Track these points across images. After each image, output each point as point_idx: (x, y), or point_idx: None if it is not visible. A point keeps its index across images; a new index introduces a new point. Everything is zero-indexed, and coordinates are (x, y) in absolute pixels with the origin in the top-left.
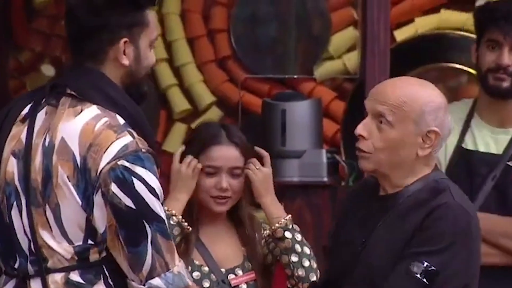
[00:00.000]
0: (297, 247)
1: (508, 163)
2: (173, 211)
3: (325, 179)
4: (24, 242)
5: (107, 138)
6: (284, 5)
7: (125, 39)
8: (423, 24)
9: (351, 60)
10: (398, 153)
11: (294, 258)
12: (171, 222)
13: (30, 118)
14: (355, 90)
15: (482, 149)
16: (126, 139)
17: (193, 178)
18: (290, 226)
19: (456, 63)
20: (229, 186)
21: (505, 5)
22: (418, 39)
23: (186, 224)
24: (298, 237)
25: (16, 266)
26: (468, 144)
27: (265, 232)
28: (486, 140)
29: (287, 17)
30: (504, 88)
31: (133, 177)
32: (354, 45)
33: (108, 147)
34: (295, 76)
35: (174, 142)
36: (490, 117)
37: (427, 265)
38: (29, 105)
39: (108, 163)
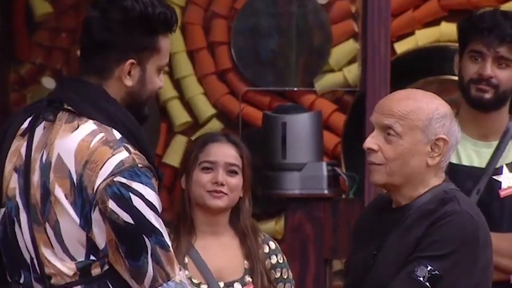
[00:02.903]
0: None
1: (493, 177)
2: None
3: (326, 191)
4: (27, 258)
5: (103, 155)
6: (285, 18)
7: (132, 60)
8: (423, 37)
9: (352, 72)
10: (409, 163)
11: None
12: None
13: (29, 133)
14: (356, 102)
15: (465, 162)
16: (122, 154)
17: None
18: None
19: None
20: (226, 182)
21: (490, 16)
22: (419, 52)
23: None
24: None
25: (21, 281)
26: (452, 158)
27: (272, 261)
28: (469, 153)
29: (287, 30)
30: (486, 99)
31: (130, 193)
32: (354, 58)
33: (104, 163)
34: (296, 89)
35: (175, 155)
36: (472, 129)
37: (430, 268)
38: (29, 119)
39: (104, 180)
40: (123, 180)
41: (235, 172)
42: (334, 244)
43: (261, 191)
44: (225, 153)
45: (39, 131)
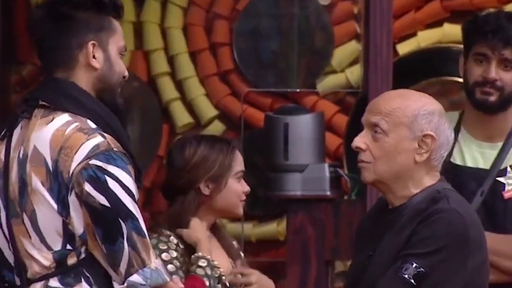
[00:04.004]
0: None
1: (497, 178)
2: (216, 263)
3: (328, 193)
4: (10, 256)
5: (78, 140)
6: (287, 19)
7: (92, 41)
8: (425, 38)
9: (354, 73)
10: (396, 160)
11: None
12: (213, 274)
13: (8, 136)
14: (358, 103)
15: (469, 164)
16: (97, 139)
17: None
18: None
19: (459, 77)
20: None
21: (494, 19)
22: (421, 53)
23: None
24: None
25: (7, 278)
26: (457, 159)
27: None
28: (474, 155)
29: (289, 31)
30: (491, 102)
31: (106, 176)
32: (356, 59)
33: (79, 148)
34: (298, 90)
35: None
36: (477, 131)
37: (416, 266)
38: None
39: (79, 163)
40: (99, 163)
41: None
42: (336, 246)
43: (263, 193)
44: (242, 160)
45: (16, 131)
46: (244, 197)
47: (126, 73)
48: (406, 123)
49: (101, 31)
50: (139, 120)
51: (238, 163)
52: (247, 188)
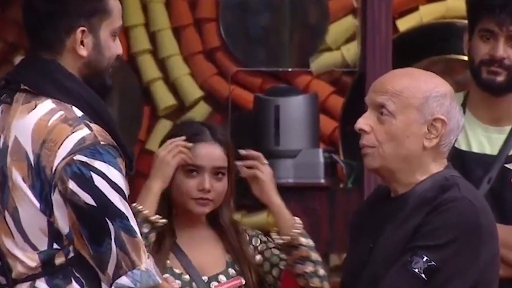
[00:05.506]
0: (313, 255)
1: (505, 165)
2: (139, 207)
3: (322, 180)
4: None
5: (61, 133)
6: None
7: (82, 28)
8: (428, 13)
9: (350, 51)
10: (403, 145)
11: (310, 268)
12: (138, 220)
13: None
14: (355, 84)
15: (475, 149)
16: (82, 132)
17: (171, 165)
18: (304, 232)
19: (464, 55)
20: (212, 187)
21: None
22: (423, 29)
23: (155, 217)
24: (310, 243)
25: None
26: (461, 144)
27: (276, 240)
28: (480, 139)
29: (281, 5)
30: (498, 82)
31: (91, 172)
32: (353, 35)
33: (63, 142)
34: (290, 69)
35: (159, 141)
36: (483, 114)
37: (426, 259)
38: None
39: (63, 159)
40: (84, 159)
41: (222, 174)
42: (331, 237)
43: None
44: (212, 156)
45: None
46: (196, 195)
47: (120, 51)
48: (416, 105)
49: (94, 15)
50: (117, 102)
51: (192, 155)
52: (202, 186)
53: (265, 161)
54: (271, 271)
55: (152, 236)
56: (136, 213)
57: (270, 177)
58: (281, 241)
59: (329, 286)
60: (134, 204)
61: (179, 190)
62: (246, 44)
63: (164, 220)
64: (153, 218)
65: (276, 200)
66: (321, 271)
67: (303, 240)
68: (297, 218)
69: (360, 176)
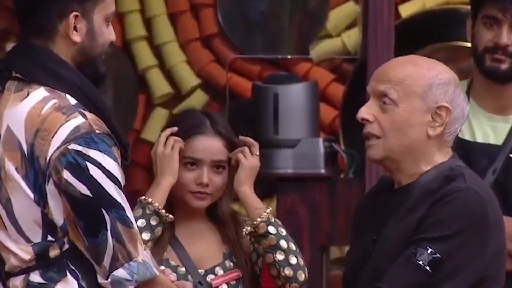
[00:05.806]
0: (283, 244)
1: (510, 155)
2: (150, 199)
3: (322, 170)
4: None
5: (55, 121)
6: None
7: (75, 13)
8: None
9: (351, 38)
10: (407, 134)
11: (280, 256)
12: (147, 212)
13: None
14: (356, 71)
15: (480, 139)
16: (77, 120)
17: (174, 157)
18: (273, 220)
19: (468, 42)
20: (210, 181)
21: None
22: (426, 15)
23: (164, 212)
24: (283, 232)
25: None
26: (465, 134)
27: (246, 228)
28: (484, 129)
29: None
30: (502, 70)
31: (87, 162)
32: (354, 22)
33: (57, 130)
34: (289, 56)
35: (154, 130)
36: (487, 103)
37: (431, 251)
38: None
39: (57, 148)
40: (79, 148)
41: (222, 167)
42: (331, 229)
43: None
44: (211, 149)
45: None
46: (194, 188)
47: (113, 38)
48: (419, 93)
49: (88, 0)
50: (112, 90)
51: (189, 148)
52: (200, 180)
53: (257, 153)
54: (257, 261)
55: (159, 230)
56: (145, 205)
57: (250, 166)
58: (248, 230)
59: (307, 276)
60: (143, 197)
61: (177, 183)
62: (244, 30)
63: (171, 216)
64: (162, 211)
65: (244, 188)
66: (293, 260)
67: (271, 228)
68: (269, 209)
69: (362, 166)
